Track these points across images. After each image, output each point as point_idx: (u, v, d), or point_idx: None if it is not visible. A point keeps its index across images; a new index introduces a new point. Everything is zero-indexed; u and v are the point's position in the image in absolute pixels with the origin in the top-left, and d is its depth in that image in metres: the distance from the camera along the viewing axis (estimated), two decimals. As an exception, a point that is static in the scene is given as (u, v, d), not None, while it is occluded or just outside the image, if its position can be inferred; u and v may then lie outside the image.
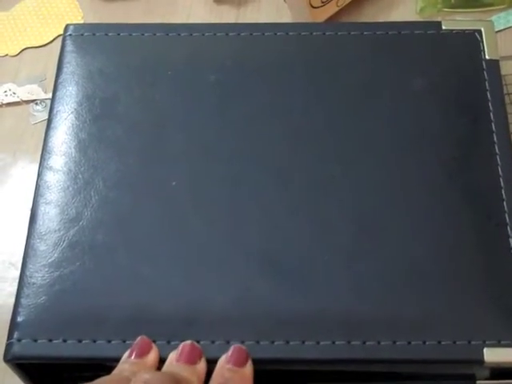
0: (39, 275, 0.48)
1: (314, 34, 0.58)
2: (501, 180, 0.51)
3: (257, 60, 0.58)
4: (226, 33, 0.59)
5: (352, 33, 0.58)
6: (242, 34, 0.58)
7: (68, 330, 0.46)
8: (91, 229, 0.50)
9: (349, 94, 0.55)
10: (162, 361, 0.43)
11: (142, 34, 0.59)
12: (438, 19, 0.60)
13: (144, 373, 0.41)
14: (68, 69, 0.57)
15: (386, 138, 0.53)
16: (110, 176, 0.52)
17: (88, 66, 0.57)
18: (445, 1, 0.68)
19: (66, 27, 0.60)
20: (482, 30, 0.57)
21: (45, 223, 0.50)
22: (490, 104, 0.54)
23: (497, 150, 0.52)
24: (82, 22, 0.71)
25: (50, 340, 0.46)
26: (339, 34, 0.58)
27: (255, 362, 0.43)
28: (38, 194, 0.52)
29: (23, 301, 0.47)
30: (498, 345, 0.45)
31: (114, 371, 0.43)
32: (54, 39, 0.70)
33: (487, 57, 0.56)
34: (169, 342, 0.45)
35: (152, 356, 0.43)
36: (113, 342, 0.46)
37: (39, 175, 0.53)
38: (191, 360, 0.42)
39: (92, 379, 0.40)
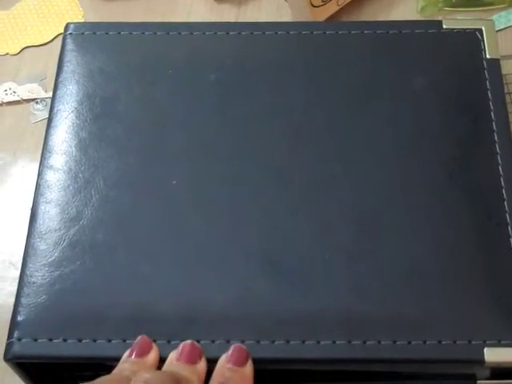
0: (39, 274, 0.48)
1: (315, 33, 0.58)
2: (501, 179, 0.51)
3: (257, 59, 0.58)
4: (226, 32, 0.59)
5: (352, 32, 0.58)
6: (243, 32, 0.58)
7: (68, 329, 0.46)
8: (91, 228, 0.50)
9: (349, 93, 0.55)
10: (162, 360, 0.44)
11: (143, 33, 0.59)
12: (439, 18, 0.60)
13: (144, 372, 0.41)
14: (68, 68, 0.57)
15: (387, 137, 0.53)
16: (110, 175, 0.52)
17: (88, 64, 0.57)
18: (445, 0, 0.68)
19: (67, 26, 0.60)
20: (483, 29, 0.57)
21: (45, 222, 0.50)
22: (490, 103, 0.54)
23: (497, 150, 0.52)
24: (82, 20, 0.71)
25: (51, 339, 0.46)
26: (340, 33, 0.58)
27: (255, 361, 0.43)
28: (39, 193, 0.52)
29: (23, 300, 0.47)
30: (499, 344, 0.45)
31: (115, 370, 0.43)
32: (54, 38, 0.70)
33: (488, 56, 0.56)
34: (169, 342, 0.45)
35: (152, 355, 0.44)
36: (113, 342, 0.46)
37: (39, 174, 0.52)
38: (191, 359, 0.42)
39: (92, 378, 0.40)
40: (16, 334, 0.46)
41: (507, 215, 0.49)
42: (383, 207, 0.50)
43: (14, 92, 0.67)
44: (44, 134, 0.55)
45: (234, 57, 0.57)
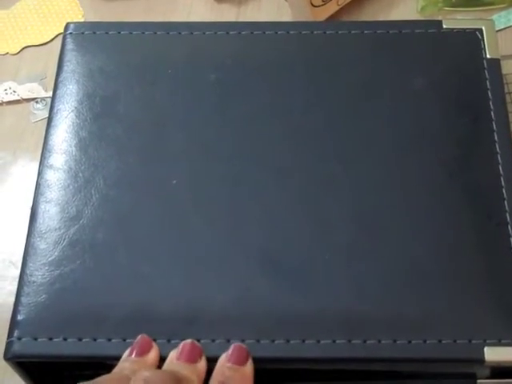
0: (39, 274, 0.48)
1: (315, 32, 0.58)
2: (501, 179, 0.51)
3: (257, 59, 0.58)
4: (226, 31, 0.59)
5: (353, 32, 0.58)
6: (243, 32, 0.58)
7: (68, 328, 0.46)
8: (91, 227, 0.50)
9: (349, 93, 0.55)
10: (162, 359, 0.44)
11: (143, 33, 0.59)
12: (439, 18, 0.61)
13: (144, 371, 0.41)
14: (68, 67, 0.57)
15: (387, 137, 0.53)
16: (110, 174, 0.52)
17: (88, 64, 0.57)
18: (445, 0, 0.68)
19: (67, 26, 0.60)
20: (483, 28, 0.57)
21: (45, 222, 0.50)
22: (490, 103, 0.54)
23: (498, 149, 0.52)
24: (82, 20, 0.71)
25: (51, 338, 0.46)
26: (340, 32, 0.58)
27: (255, 360, 0.43)
28: (39, 193, 0.52)
29: (23, 299, 0.47)
30: (499, 344, 0.45)
31: (115, 370, 0.43)
32: (54, 37, 0.70)
33: (488, 56, 0.56)
34: (169, 341, 0.45)
35: (152, 355, 0.44)
36: (113, 341, 0.46)
37: (39, 173, 0.52)
38: (191, 358, 0.43)
39: (92, 378, 0.40)
40: (16, 333, 0.46)
41: (507, 215, 0.49)
42: (383, 207, 0.50)
43: (14, 91, 0.67)
44: (44, 133, 0.55)
45: (234, 56, 0.57)
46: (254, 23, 0.63)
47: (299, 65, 0.57)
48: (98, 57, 0.57)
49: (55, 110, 0.55)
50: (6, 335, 0.47)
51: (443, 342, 0.45)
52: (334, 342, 0.45)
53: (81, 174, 0.52)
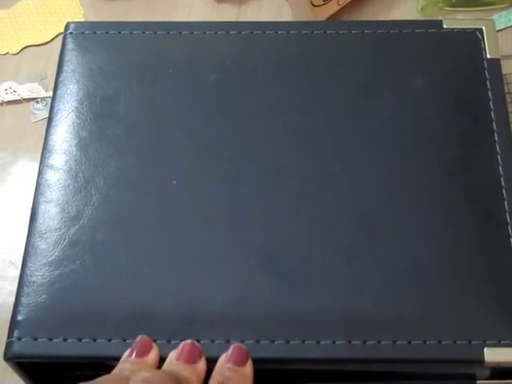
0: (39, 274, 0.48)
1: (315, 32, 0.58)
2: (501, 179, 0.51)
3: (257, 59, 0.58)
4: (226, 31, 0.59)
5: (353, 31, 0.58)
6: (243, 32, 0.58)
7: (68, 328, 0.46)
8: (92, 227, 0.50)
9: (349, 93, 0.55)
10: (162, 360, 0.44)
11: (143, 32, 0.59)
12: (439, 18, 0.61)
13: (144, 371, 0.41)
14: (69, 67, 0.57)
15: (387, 137, 0.53)
16: (110, 174, 0.52)
17: (89, 64, 0.57)
18: (446, 0, 0.68)
19: (67, 25, 0.60)
20: (483, 28, 0.57)
21: (45, 222, 0.50)
22: (491, 103, 0.54)
23: (498, 150, 0.52)
24: (82, 20, 0.71)
25: (51, 339, 0.46)
26: (340, 32, 0.58)
27: (255, 361, 0.43)
28: (39, 193, 0.52)
29: (23, 299, 0.47)
30: (499, 344, 0.45)
31: (114, 370, 0.43)
32: (54, 37, 0.70)
33: (488, 56, 0.56)
34: (169, 341, 0.45)
35: (152, 355, 0.44)
36: (113, 341, 0.46)
37: (39, 174, 0.52)
38: (191, 359, 0.42)
39: (92, 378, 0.40)
40: (16, 334, 0.46)
41: (507, 215, 0.49)
42: (383, 207, 0.50)
43: (15, 91, 0.67)
44: (44, 133, 0.55)
45: (235, 56, 0.57)
46: (254, 23, 0.63)
47: (299, 65, 0.57)
48: (98, 57, 0.57)
49: (55, 110, 0.55)
50: (6, 335, 0.47)
51: (443, 342, 0.45)
52: (333, 342, 0.45)
53: (81, 174, 0.52)
